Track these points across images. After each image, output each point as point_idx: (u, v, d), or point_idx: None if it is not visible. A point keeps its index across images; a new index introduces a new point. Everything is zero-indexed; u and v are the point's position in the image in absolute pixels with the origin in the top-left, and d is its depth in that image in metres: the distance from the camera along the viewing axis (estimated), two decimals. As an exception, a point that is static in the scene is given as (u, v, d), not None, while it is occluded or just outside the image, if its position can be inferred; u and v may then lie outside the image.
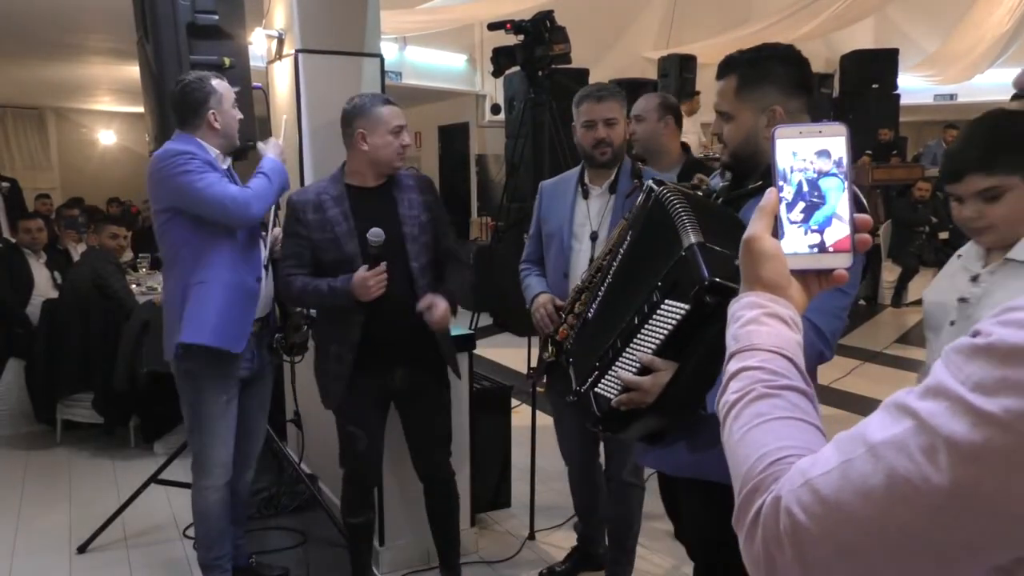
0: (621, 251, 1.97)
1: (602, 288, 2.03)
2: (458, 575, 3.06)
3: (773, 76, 1.85)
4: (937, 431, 0.64)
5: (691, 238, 1.63)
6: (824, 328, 1.73)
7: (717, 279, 1.54)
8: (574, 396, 2.01)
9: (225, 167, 2.80)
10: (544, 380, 2.81)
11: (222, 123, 2.76)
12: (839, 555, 0.68)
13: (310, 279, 2.70)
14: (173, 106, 2.78)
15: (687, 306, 1.63)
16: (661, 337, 1.72)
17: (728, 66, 1.91)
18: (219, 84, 2.77)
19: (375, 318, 2.68)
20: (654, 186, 1.85)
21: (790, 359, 0.86)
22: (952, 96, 12.43)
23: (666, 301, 1.69)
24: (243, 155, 3.04)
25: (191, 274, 2.72)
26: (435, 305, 2.67)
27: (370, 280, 2.58)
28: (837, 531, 0.68)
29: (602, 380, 1.89)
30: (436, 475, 2.94)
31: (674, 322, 1.67)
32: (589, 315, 2.06)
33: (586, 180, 2.82)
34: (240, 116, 2.86)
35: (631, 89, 4.91)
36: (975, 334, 0.66)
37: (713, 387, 1.62)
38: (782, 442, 0.77)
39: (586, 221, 2.77)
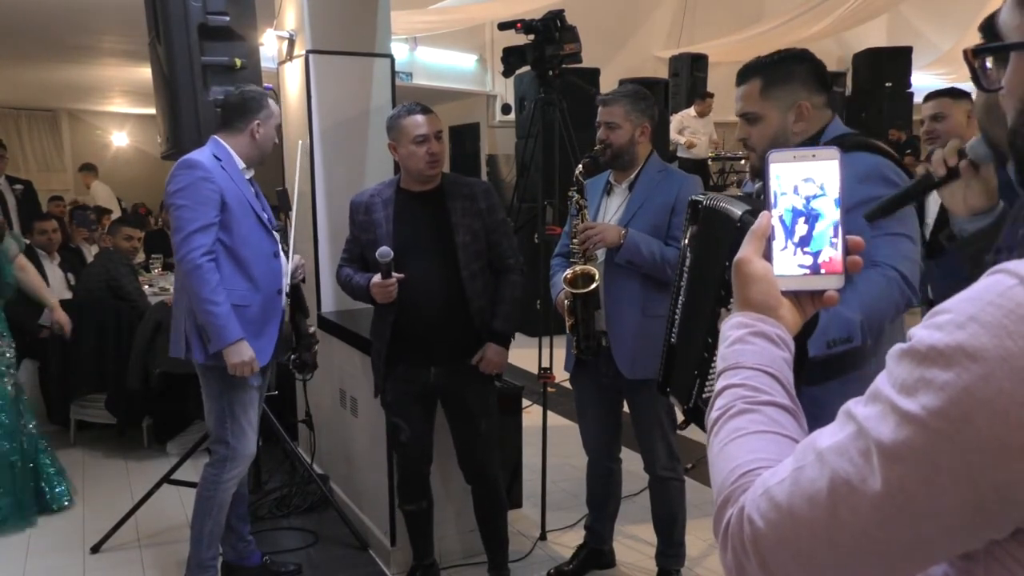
0: (685, 271, 1.92)
1: (677, 311, 1.96)
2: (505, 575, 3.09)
3: (795, 74, 1.92)
4: (869, 434, 0.66)
5: (739, 211, 1.61)
6: (908, 274, 1.78)
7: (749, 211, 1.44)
8: (684, 417, 1.99)
9: (247, 177, 2.94)
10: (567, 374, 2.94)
11: (261, 137, 2.92)
12: (796, 560, 0.70)
13: (352, 272, 2.89)
14: (225, 106, 2.93)
15: None
16: None
17: (749, 70, 1.96)
18: (273, 105, 2.97)
19: (406, 317, 2.80)
20: (699, 199, 1.80)
21: (773, 375, 0.88)
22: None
23: None
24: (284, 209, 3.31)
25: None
26: (484, 360, 2.84)
27: (374, 289, 2.72)
28: (791, 536, 0.69)
29: (706, 384, 1.88)
30: (478, 476, 2.97)
31: None
32: (673, 341, 2.01)
33: (610, 178, 2.97)
34: (276, 141, 3.04)
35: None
36: (909, 338, 0.67)
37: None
38: (754, 455, 0.79)
39: (605, 217, 2.90)
